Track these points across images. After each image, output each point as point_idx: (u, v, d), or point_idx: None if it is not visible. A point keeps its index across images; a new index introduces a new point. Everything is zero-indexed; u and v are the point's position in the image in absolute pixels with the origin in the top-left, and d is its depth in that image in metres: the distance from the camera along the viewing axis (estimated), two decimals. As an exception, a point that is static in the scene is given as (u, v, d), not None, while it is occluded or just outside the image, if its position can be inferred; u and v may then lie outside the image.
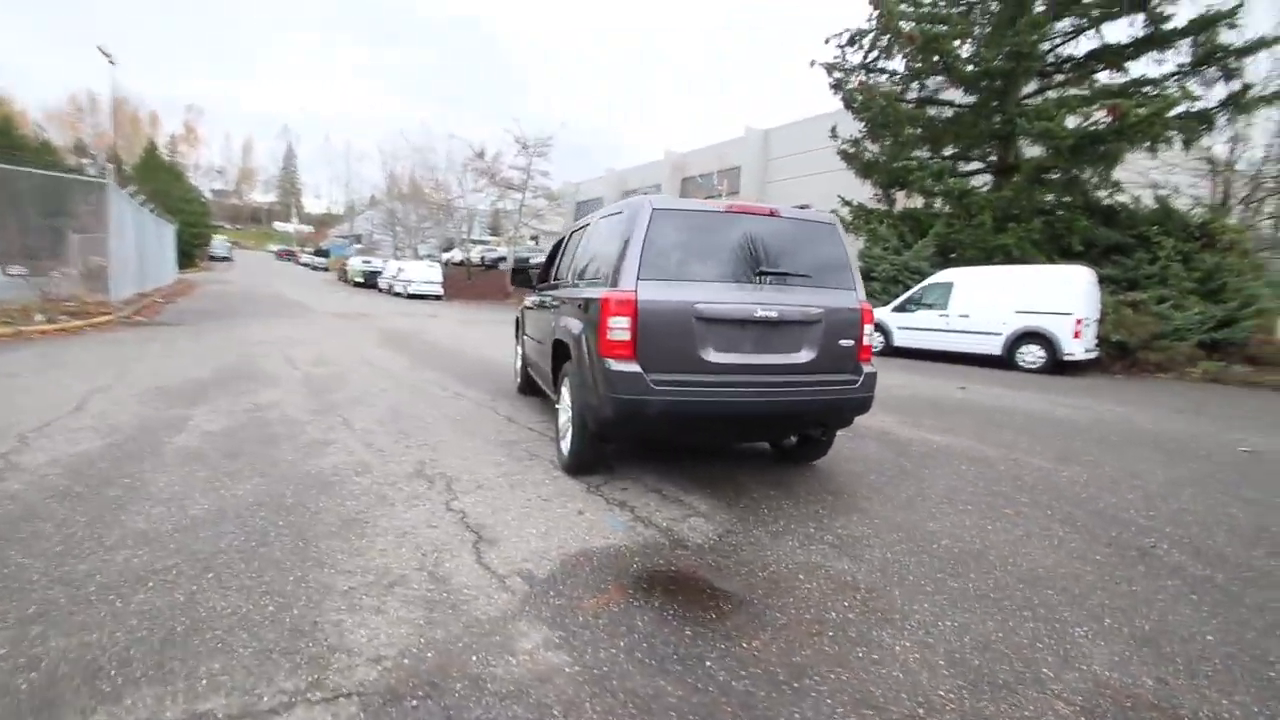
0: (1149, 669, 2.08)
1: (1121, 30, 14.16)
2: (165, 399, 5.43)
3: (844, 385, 3.51)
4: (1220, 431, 6.08)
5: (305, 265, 47.80)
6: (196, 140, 40.82)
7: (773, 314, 3.32)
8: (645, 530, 3.06)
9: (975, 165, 15.77)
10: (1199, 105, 12.42)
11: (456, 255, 34.98)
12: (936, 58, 14.22)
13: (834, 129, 16.53)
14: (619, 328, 3.20)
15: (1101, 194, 14.02)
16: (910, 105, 15.17)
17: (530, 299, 6.11)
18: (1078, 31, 14.36)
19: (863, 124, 16.27)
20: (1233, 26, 12.78)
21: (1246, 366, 10.67)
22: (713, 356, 3.25)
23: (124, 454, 3.87)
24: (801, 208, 3.91)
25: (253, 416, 4.97)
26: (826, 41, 16.60)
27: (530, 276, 5.92)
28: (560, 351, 4.02)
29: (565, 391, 3.91)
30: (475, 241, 36.61)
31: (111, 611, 2.15)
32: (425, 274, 26.30)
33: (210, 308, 15.18)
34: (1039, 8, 13.45)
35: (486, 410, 5.62)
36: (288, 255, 56.43)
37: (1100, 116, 12.50)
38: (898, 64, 15.81)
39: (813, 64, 16.80)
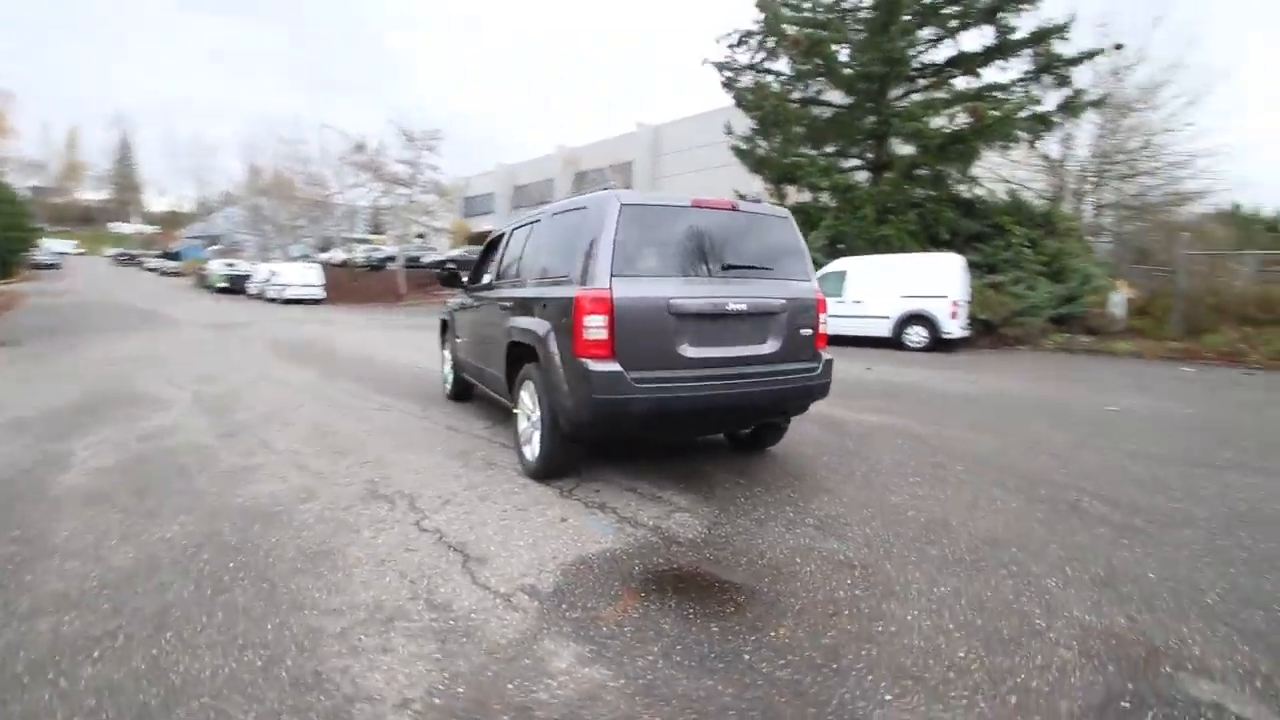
0: (1117, 609, 2.35)
1: (976, 40, 15.71)
2: (28, 433, 4.64)
3: (806, 373, 3.66)
4: (1087, 395, 6.98)
5: (154, 270, 42.49)
6: (4, 130, 34.47)
7: (743, 306, 3.38)
8: (634, 530, 3.02)
9: (855, 162, 16.96)
10: (1041, 109, 14.07)
11: (337, 255, 32.60)
12: (819, 60, 15.07)
13: (728, 125, 17.07)
14: (596, 326, 3.12)
15: (962, 188, 15.58)
16: (796, 105, 15.96)
17: (458, 300, 5.82)
18: (937, 39, 15.80)
19: (754, 122, 16.98)
20: (1064, 39, 14.62)
21: (1088, 336, 12.32)
22: (689, 352, 3.26)
23: (1, 503, 3.25)
24: (754, 200, 4.01)
25: (149, 446, 4.36)
26: (717, 41, 17.12)
27: (457, 276, 5.63)
28: (517, 354, 3.86)
29: (525, 395, 3.77)
30: (357, 240, 34.31)
31: (58, 693, 1.81)
32: (303, 276, 24.31)
33: (49, 324, 13.15)
34: (906, 16, 14.63)
35: (422, 420, 5.29)
36: (129, 259, 49.96)
37: (962, 118, 13.88)
38: (783, 65, 16.57)
39: (704, 62, 17.28)
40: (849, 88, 15.70)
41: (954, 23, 15.17)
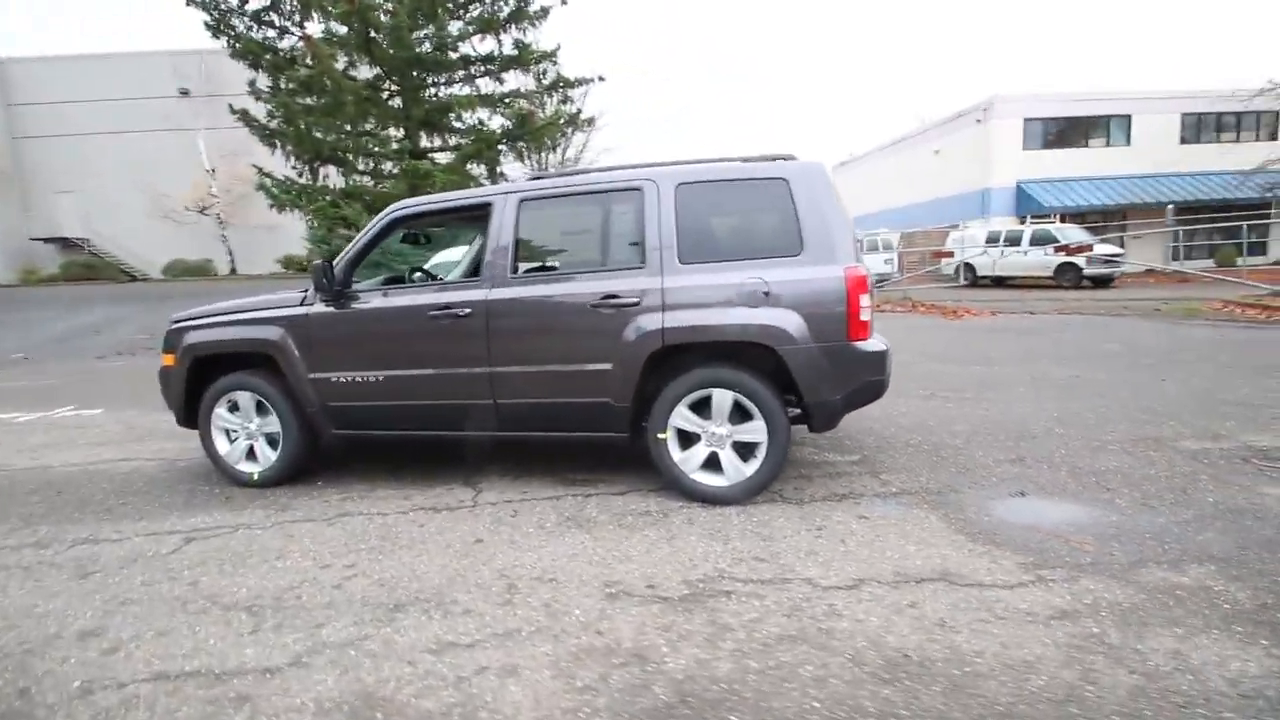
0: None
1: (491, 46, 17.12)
2: None
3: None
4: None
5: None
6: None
7: None
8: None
9: (394, 147, 16.21)
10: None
11: None
12: (366, 26, 13.67)
13: (253, 84, 13.64)
14: (867, 305, 2.98)
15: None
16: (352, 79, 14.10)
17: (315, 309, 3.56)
18: (461, 37, 16.55)
19: (272, 82, 14.06)
20: (554, 63, 17.64)
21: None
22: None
23: None
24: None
25: None
26: (209, -29, 13.17)
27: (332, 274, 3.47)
28: (659, 365, 3.10)
29: (685, 410, 3.10)
30: None
31: None
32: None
33: None
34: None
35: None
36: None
37: (499, 119, 15.35)
38: (315, 26, 14.20)
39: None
40: (389, 65, 14.82)
41: (471, 27, 16.19)
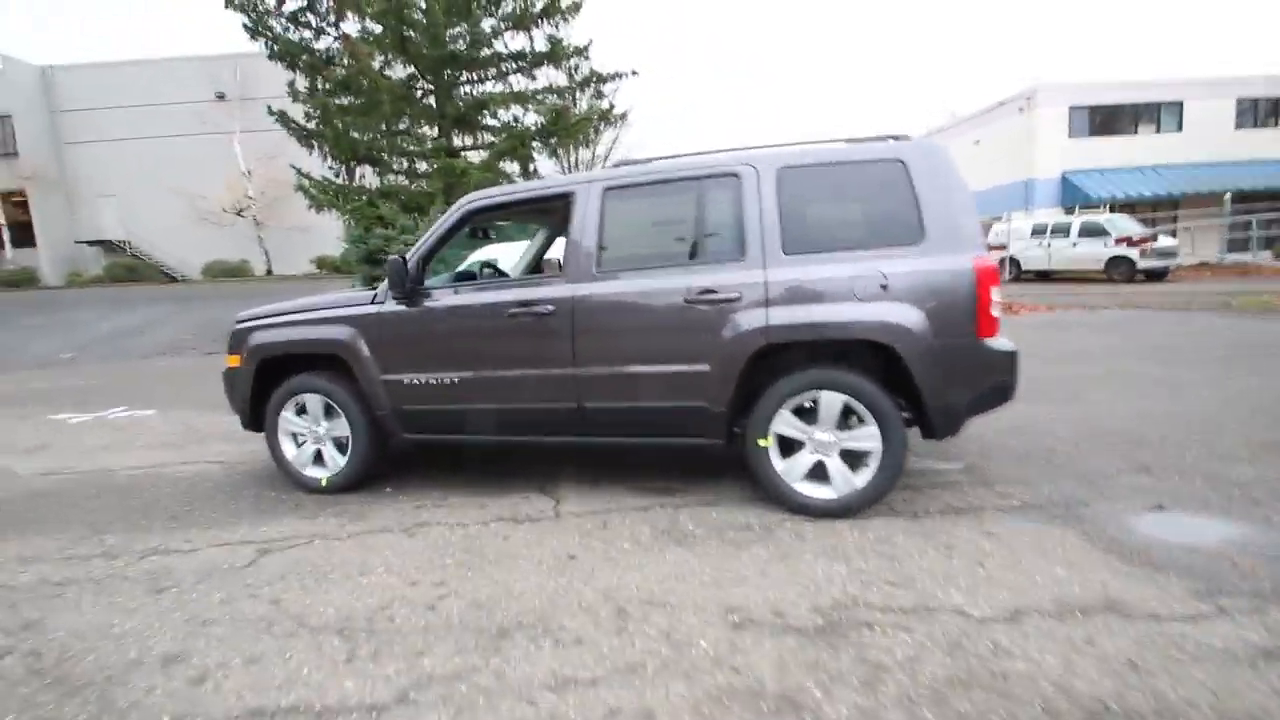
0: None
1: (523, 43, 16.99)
2: None
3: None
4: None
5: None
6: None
7: None
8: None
9: (430, 146, 16.16)
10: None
11: None
12: (400, 23, 13.62)
13: (292, 85, 13.70)
14: (997, 300, 2.70)
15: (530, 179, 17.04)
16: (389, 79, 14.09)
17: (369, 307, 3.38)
18: (494, 34, 16.43)
19: (309, 81, 14.12)
20: (586, 59, 17.43)
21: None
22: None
23: None
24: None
25: None
26: (239, -26, 13.25)
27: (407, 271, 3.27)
28: (758, 365, 2.88)
29: (784, 416, 2.86)
30: None
31: None
32: None
33: None
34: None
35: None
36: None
37: (548, 111, 15.15)
38: (351, 25, 14.24)
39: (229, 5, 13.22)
40: (423, 63, 14.76)
41: (505, 24, 16.08)
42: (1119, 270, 17.03)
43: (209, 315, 14.93)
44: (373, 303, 3.41)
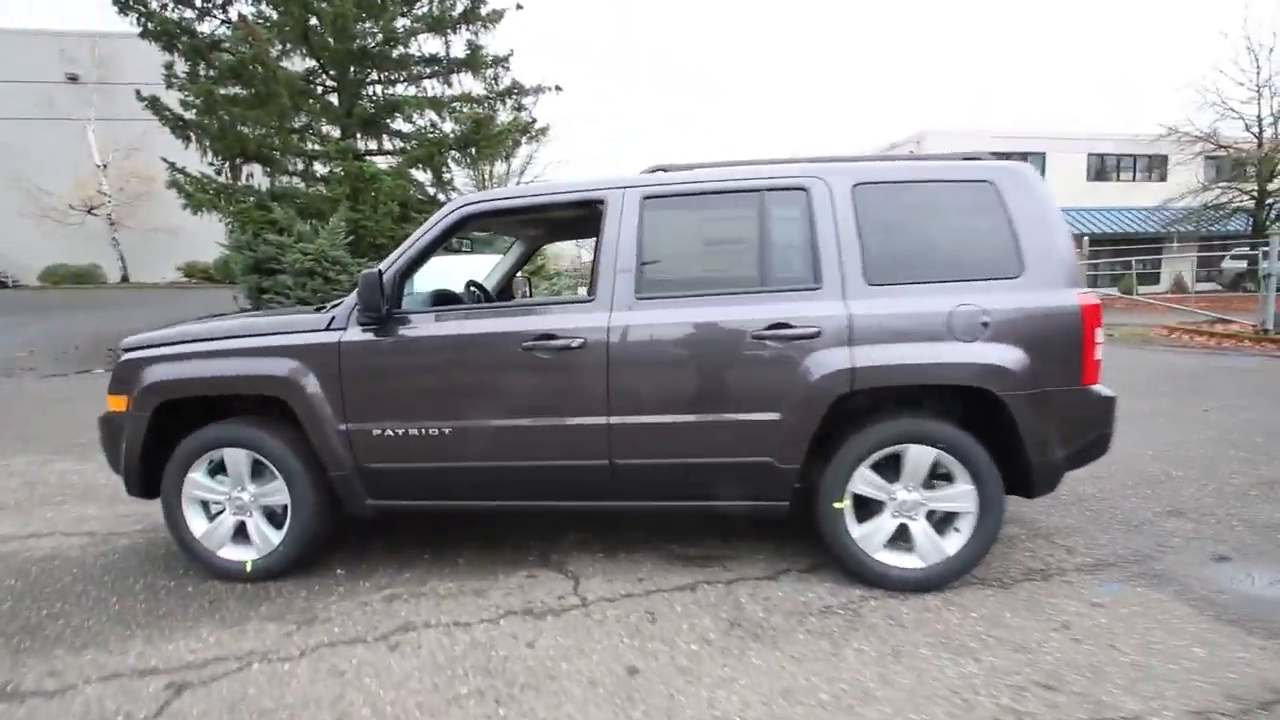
0: None
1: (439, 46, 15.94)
2: None
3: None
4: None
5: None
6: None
7: None
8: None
9: (335, 146, 14.72)
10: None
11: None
12: (310, 18, 12.33)
13: (170, 68, 11.96)
14: (1100, 342, 2.41)
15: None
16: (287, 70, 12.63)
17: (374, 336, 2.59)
18: (409, 34, 15.33)
19: (187, 67, 12.43)
20: (507, 69, 16.71)
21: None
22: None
23: None
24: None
25: None
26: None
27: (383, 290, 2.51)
28: (856, 411, 2.40)
29: (862, 473, 2.42)
30: None
31: None
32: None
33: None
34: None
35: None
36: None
37: (468, 120, 14.26)
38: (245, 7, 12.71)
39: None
40: (327, 57, 13.45)
41: (420, 25, 15.04)
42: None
43: (50, 327, 12.50)
44: (328, 328, 2.61)
